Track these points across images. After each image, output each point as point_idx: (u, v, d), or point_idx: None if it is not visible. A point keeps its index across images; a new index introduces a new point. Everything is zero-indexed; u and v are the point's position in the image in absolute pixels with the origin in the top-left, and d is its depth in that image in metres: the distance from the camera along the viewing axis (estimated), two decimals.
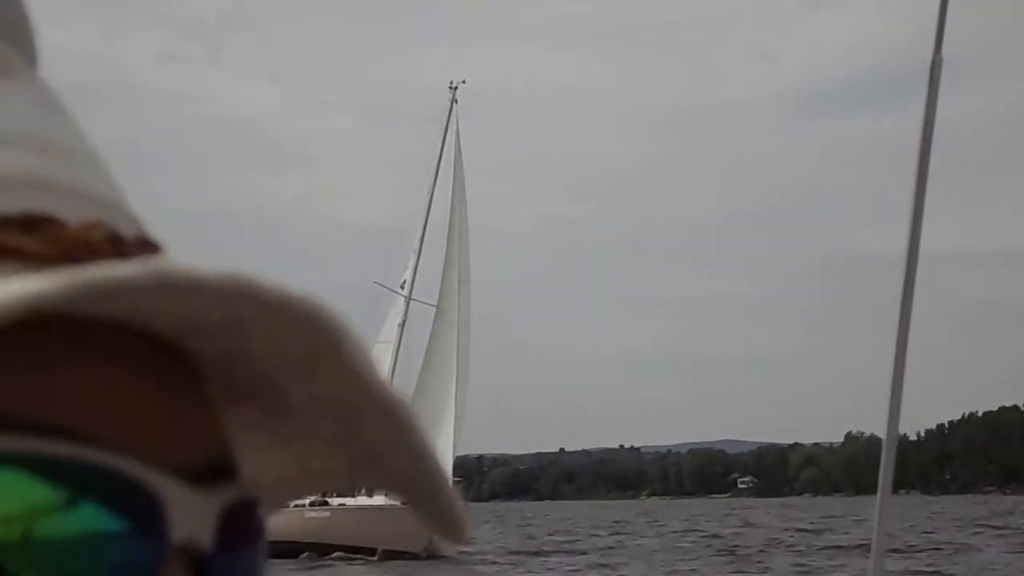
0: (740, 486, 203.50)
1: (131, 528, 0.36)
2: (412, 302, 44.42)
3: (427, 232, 45.47)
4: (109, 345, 0.37)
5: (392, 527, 33.15)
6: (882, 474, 2.98)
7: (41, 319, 0.34)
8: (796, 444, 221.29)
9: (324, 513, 35.34)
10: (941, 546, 32.27)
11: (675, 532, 46.91)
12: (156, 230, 0.42)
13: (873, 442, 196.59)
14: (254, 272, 0.35)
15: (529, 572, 26.40)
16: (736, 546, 35.36)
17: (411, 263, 44.75)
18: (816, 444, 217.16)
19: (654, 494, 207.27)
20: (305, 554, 32.15)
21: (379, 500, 37.37)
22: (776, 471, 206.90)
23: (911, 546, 31.81)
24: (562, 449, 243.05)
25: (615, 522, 59.79)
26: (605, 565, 28.00)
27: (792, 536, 40.96)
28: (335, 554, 34.34)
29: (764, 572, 26.45)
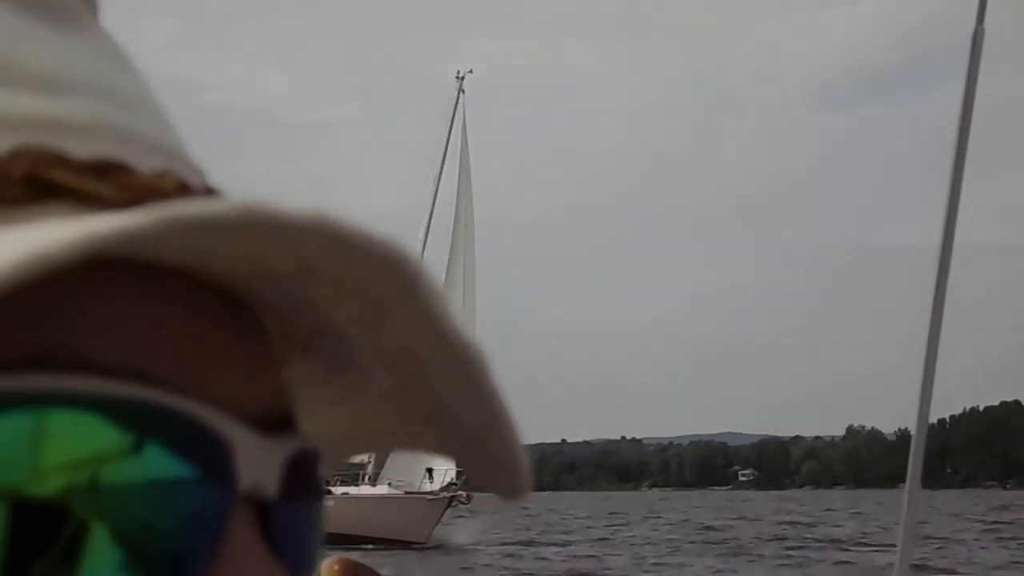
0: (741, 479, 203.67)
1: (200, 474, 0.35)
2: None
3: (433, 222, 45.37)
4: (176, 290, 0.37)
5: (396, 517, 33.38)
6: (911, 467, 2.88)
7: (109, 261, 0.34)
8: (797, 437, 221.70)
9: (328, 502, 35.47)
10: (931, 540, 32.52)
11: (670, 524, 47.13)
12: None
13: (874, 436, 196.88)
14: (338, 212, 0.34)
15: (516, 560, 26.65)
16: (726, 538, 35.62)
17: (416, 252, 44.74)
18: (817, 437, 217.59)
19: (655, 486, 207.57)
20: None
21: (383, 490, 37.68)
22: (777, 464, 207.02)
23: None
24: (564, 440, 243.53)
25: (611, 513, 60.04)
26: (592, 556, 28.26)
27: (784, 529, 41.23)
28: (338, 544, 34.44)
29: (752, 563, 26.69)
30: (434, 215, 45.52)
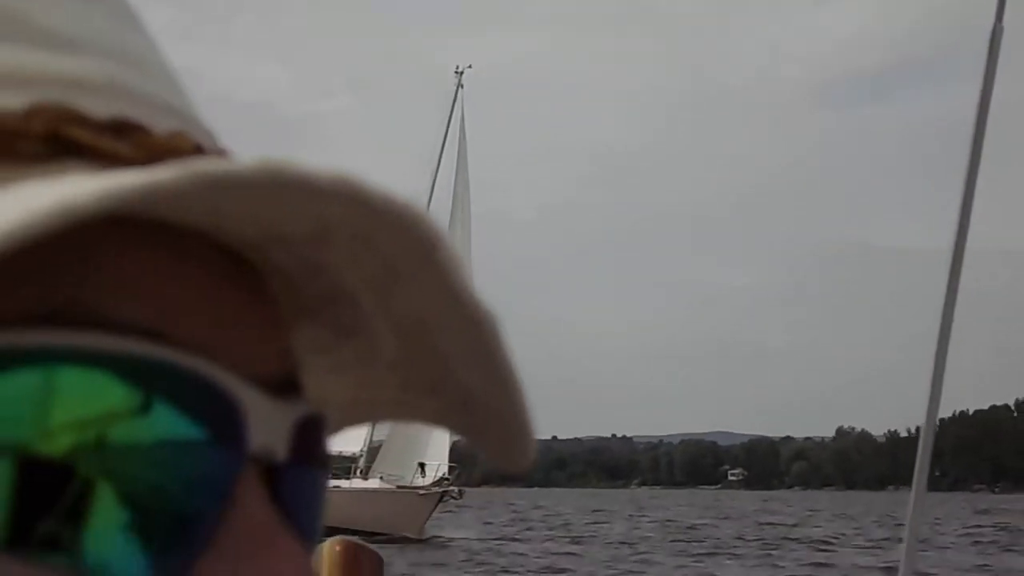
0: (731, 478, 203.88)
1: (210, 436, 0.35)
2: None
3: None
4: (189, 250, 0.37)
5: (387, 511, 33.52)
6: (917, 469, 2.86)
7: (124, 220, 0.34)
8: (787, 438, 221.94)
9: None
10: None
11: (653, 522, 47.40)
12: None
13: (864, 437, 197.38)
14: (359, 173, 0.34)
15: (495, 555, 26.90)
16: (706, 537, 35.88)
17: None
18: (807, 438, 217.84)
19: (645, 484, 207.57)
20: None
21: (374, 484, 37.86)
22: (767, 464, 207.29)
23: (884, 539, 32.48)
24: (554, 437, 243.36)
25: (595, 511, 60.30)
26: (570, 553, 28.52)
27: (763, 529, 41.50)
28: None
29: (728, 562, 26.97)
30: (430, 210, 45.34)
